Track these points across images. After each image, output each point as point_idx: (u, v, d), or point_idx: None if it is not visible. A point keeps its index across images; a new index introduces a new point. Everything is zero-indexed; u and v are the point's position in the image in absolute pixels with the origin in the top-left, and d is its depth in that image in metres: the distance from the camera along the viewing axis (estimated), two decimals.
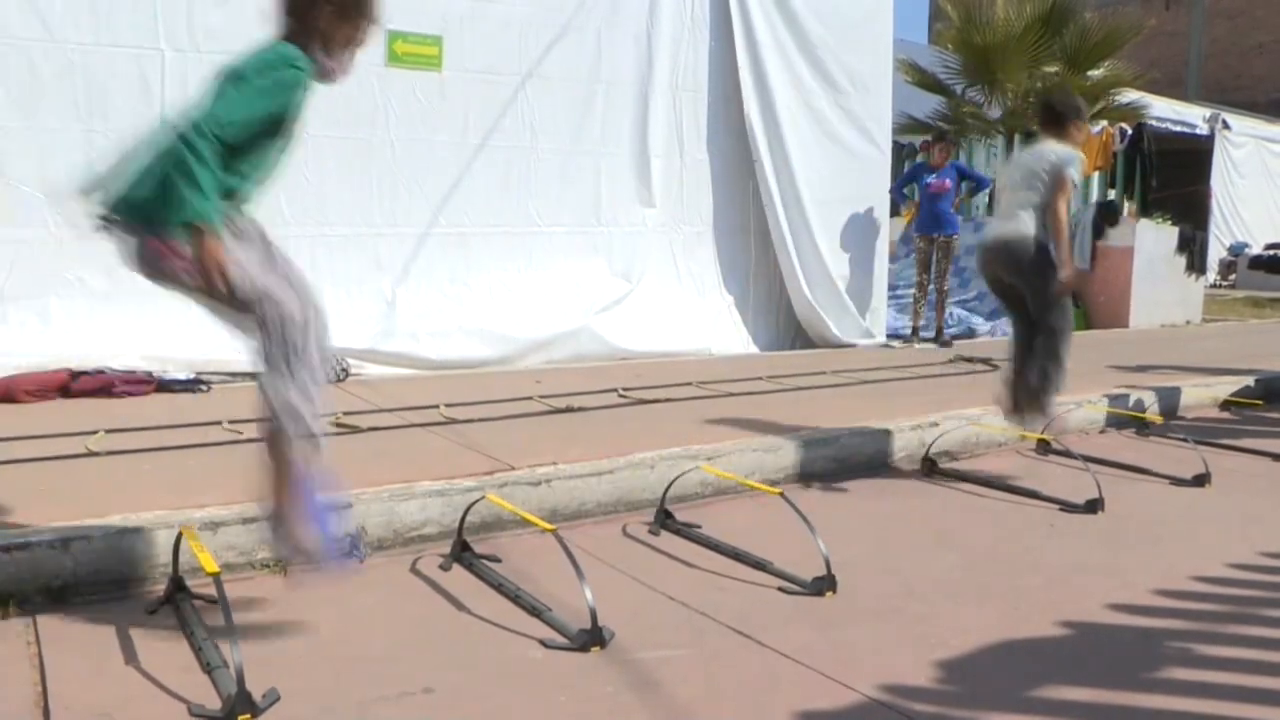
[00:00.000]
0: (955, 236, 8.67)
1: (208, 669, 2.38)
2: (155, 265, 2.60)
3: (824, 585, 3.01)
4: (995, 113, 12.80)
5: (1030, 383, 4.47)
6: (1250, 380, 6.69)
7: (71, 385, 4.96)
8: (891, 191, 8.79)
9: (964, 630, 2.76)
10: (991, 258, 4.58)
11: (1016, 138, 11.73)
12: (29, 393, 4.81)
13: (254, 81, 2.54)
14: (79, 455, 3.78)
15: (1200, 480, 4.43)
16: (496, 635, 2.68)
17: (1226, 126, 15.42)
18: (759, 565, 3.23)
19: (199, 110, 2.48)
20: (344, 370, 5.76)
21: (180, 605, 2.73)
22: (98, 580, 2.84)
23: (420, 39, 6.30)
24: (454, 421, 4.56)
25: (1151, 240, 10.73)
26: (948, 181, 8.55)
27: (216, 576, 2.31)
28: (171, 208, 2.46)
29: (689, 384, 5.76)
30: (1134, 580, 3.19)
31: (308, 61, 2.61)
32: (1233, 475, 4.61)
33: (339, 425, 4.44)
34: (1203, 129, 13.89)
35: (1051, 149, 4.44)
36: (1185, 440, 4.97)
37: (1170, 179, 12.46)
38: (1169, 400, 6.14)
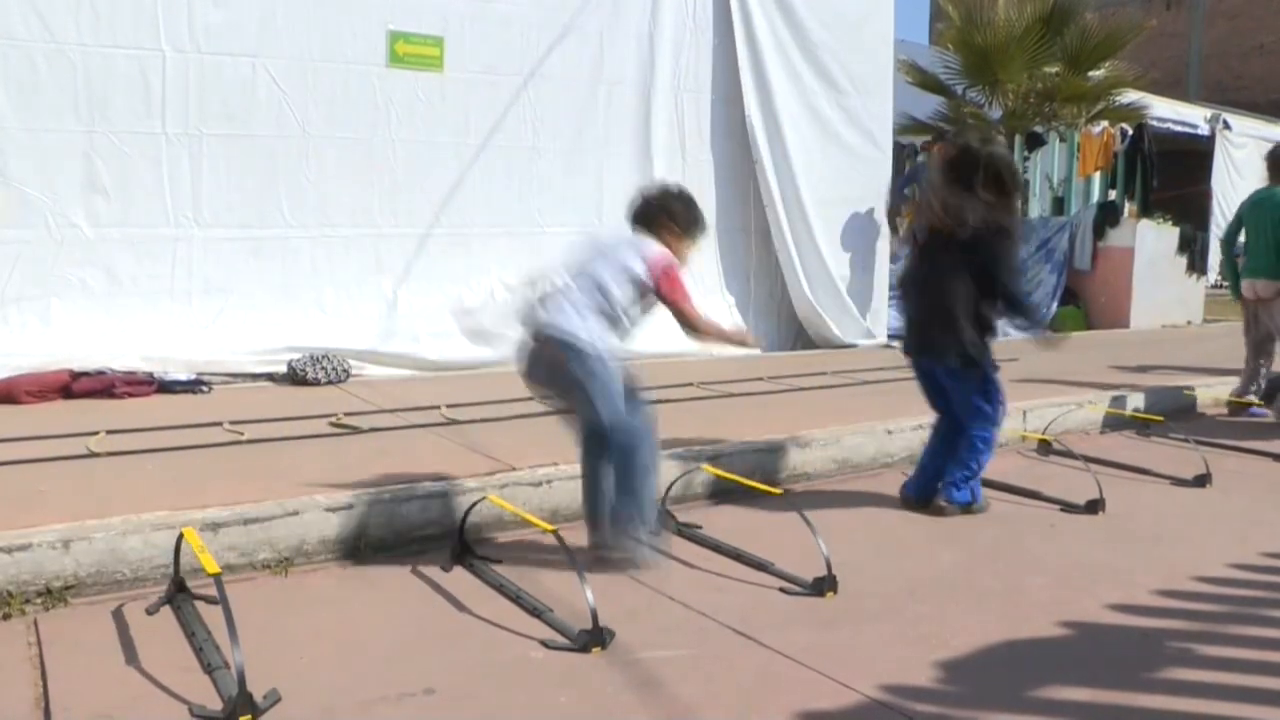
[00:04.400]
0: None
1: (209, 669, 2.38)
2: None
3: (825, 585, 3.01)
4: (996, 113, 12.78)
5: None
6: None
7: (73, 386, 4.97)
8: (892, 192, 8.78)
9: (965, 630, 2.76)
10: None
11: (1017, 138, 11.72)
12: (30, 393, 4.82)
13: None
14: (80, 456, 3.78)
15: (1201, 481, 4.43)
16: (497, 636, 2.69)
17: (1227, 127, 15.38)
18: (760, 566, 3.23)
19: None
20: (345, 371, 5.76)
21: (181, 606, 2.74)
22: (99, 581, 2.85)
23: (421, 40, 6.30)
24: (455, 422, 4.56)
25: (1152, 241, 10.72)
26: None
27: (217, 577, 2.32)
28: None
29: (690, 384, 5.76)
30: (1134, 580, 3.19)
31: None
32: (1234, 476, 4.61)
33: (339, 426, 4.45)
34: (1203, 129, 13.88)
35: None
36: (1186, 441, 4.96)
37: (1171, 179, 12.45)
38: (1170, 400, 6.13)
